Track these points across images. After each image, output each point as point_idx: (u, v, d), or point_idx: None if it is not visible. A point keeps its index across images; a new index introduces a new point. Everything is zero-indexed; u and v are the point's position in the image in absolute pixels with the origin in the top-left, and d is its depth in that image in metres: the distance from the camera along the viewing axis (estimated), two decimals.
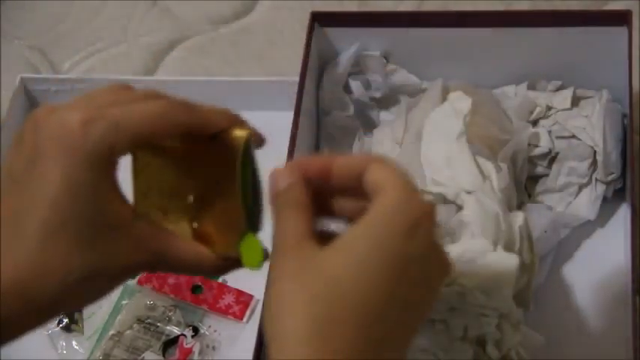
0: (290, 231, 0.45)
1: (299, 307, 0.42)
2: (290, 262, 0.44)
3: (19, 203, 0.43)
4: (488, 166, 0.61)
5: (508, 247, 0.57)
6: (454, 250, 0.56)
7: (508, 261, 0.56)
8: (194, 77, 0.97)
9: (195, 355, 0.78)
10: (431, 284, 0.44)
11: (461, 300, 0.56)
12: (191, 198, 0.49)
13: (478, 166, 0.61)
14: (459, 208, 0.60)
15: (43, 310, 0.44)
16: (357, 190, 0.46)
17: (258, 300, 0.80)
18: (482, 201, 0.58)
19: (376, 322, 0.42)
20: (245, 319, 0.80)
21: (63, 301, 0.44)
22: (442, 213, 0.62)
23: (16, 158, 0.44)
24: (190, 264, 0.48)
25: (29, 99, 0.97)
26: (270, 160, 0.88)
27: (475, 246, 0.56)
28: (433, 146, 0.64)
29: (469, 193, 0.60)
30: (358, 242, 0.43)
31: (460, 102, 0.64)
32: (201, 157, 0.49)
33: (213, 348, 0.79)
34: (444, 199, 0.61)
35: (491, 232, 0.57)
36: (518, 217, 0.58)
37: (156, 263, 0.47)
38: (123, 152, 0.45)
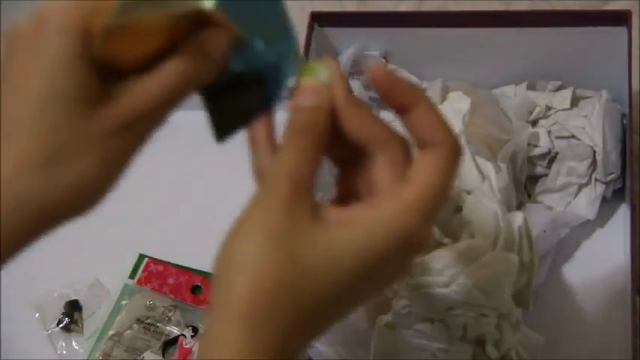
0: (295, 170, 0.41)
1: (261, 274, 0.38)
2: (278, 215, 0.40)
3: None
4: (488, 166, 0.61)
5: (507, 247, 0.57)
6: (454, 250, 0.56)
7: (507, 261, 0.55)
8: None
9: (195, 355, 0.78)
10: (383, 286, 0.42)
11: (460, 300, 0.56)
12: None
13: (477, 166, 0.61)
14: (459, 208, 0.60)
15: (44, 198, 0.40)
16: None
17: None
18: (482, 201, 0.58)
19: (322, 318, 0.40)
20: None
21: (48, 193, 0.39)
22: (443, 212, 0.62)
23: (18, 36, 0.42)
24: (160, 94, 0.42)
25: None
26: None
27: (474, 246, 0.56)
28: None
29: (468, 193, 0.60)
30: (374, 237, 0.40)
31: (459, 102, 0.64)
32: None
33: None
34: None
35: (491, 232, 0.57)
36: (518, 217, 0.58)
37: (126, 124, 0.41)
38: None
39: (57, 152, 0.39)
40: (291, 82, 0.45)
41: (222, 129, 0.48)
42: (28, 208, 0.39)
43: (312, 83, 0.44)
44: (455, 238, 0.60)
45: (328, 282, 0.39)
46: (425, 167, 0.42)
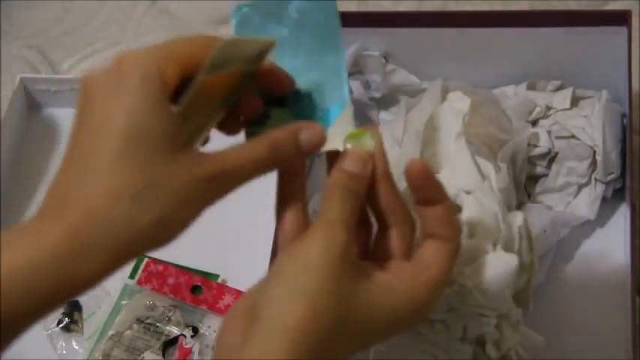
0: (347, 220, 0.46)
1: (322, 305, 0.43)
2: (337, 255, 0.45)
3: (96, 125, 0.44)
4: (488, 166, 0.61)
5: (507, 248, 0.57)
6: None
7: (507, 261, 0.55)
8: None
9: (195, 355, 0.78)
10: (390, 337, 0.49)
11: (460, 300, 0.56)
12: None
13: (477, 166, 0.61)
14: (458, 208, 0.60)
15: (119, 237, 0.43)
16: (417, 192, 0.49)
17: None
18: (482, 201, 0.58)
19: (351, 351, 0.46)
20: None
21: (135, 223, 0.42)
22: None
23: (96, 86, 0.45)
24: (247, 161, 0.46)
25: (29, 99, 0.97)
26: None
27: (474, 246, 0.56)
28: (432, 146, 0.64)
29: (468, 193, 0.60)
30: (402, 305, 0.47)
31: (459, 102, 0.64)
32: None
33: (213, 348, 0.79)
34: None
35: (490, 233, 0.57)
36: (518, 217, 0.58)
37: (215, 176, 0.45)
38: (173, 75, 0.45)
39: (144, 188, 0.42)
40: (338, 143, 0.50)
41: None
42: (119, 233, 0.42)
43: (360, 152, 0.49)
44: None
45: (366, 327, 0.45)
46: (442, 256, 0.48)
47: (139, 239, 0.43)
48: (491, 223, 0.57)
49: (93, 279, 0.42)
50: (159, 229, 0.43)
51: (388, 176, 0.49)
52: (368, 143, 0.49)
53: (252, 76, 0.49)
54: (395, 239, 0.49)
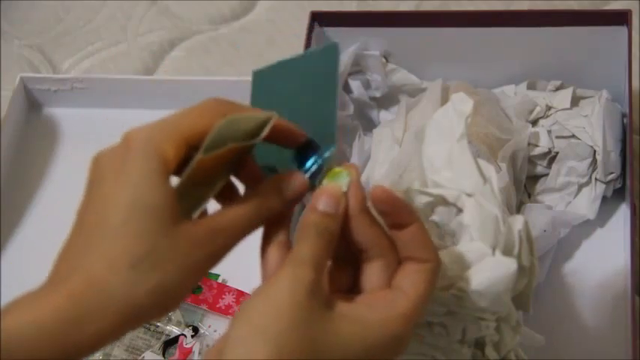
0: (316, 261, 0.46)
1: (286, 346, 0.43)
2: (304, 294, 0.45)
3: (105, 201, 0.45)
4: (489, 169, 0.61)
5: (507, 251, 0.57)
6: (453, 254, 0.56)
7: (506, 265, 0.55)
8: (194, 77, 0.97)
9: (195, 355, 0.78)
10: None
11: (459, 304, 0.56)
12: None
13: (479, 168, 0.61)
14: (459, 210, 0.60)
15: (119, 310, 0.44)
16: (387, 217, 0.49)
17: None
18: (482, 204, 0.58)
19: None
20: None
21: (133, 291, 0.44)
22: (442, 215, 0.62)
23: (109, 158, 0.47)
24: (239, 222, 0.48)
25: (29, 98, 0.97)
26: None
27: (473, 250, 0.56)
28: (434, 147, 0.64)
29: (469, 195, 0.60)
30: (372, 335, 0.46)
31: (462, 103, 0.63)
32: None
33: None
34: (444, 201, 0.61)
35: (490, 236, 0.57)
36: (518, 221, 0.58)
37: (210, 240, 0.47)
38: (175, 152, 0.46)
39: (143, 257, 0.44)
40: (316, 180, 0.51)
41: None
42: (117, 301, 0.43)
43: (332, 190, 0.49)
44: (455, 241, 0.60)
45: None
46: (417, 281, 0.48)
47: (138, 307, 0.44)
48: (491, 227, 0.57)
49: (93, 344, 0.43)
50: (157, 297, 0.44)
51: (365, 210, 0.49)
52: (343, 181, 0.50)
53: (252, 147, 0.50)
54: (379, 270, 0.49)
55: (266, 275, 0.50)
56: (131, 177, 0.45)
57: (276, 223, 0.50)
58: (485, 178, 0.60)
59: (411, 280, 0.48)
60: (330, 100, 0.53)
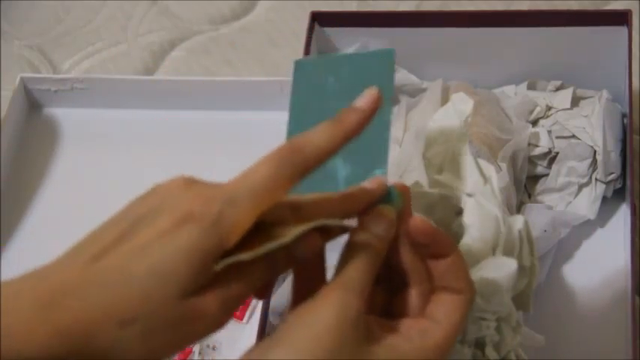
0: (362, 285, 0.46)
1: None
2: (351, 320, 0.44)
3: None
4: (490, 169, 0.61)
5: (507, 252, 0.57)
6: None
7: (506, 266, 0.55)
8: (194, 77, 0.97)
9: (195, 355, 0.78)
10: None
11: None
12: None
13: (479, 168, 0.61)
14: (460, 210, 0.60)
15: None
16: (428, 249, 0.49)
17: (258, 300, 0.80)
18: (483, 204, 0.58)
19: None
20: (245, 320, 0.80)
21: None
22: (443, 215, 0.62)
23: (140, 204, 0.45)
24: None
25: (29, 99, 0.97)
26: None
27: (474, 250, 0.56)
28: (434, 147, 0.64)
29: (470, 195, 0.60)
30: None
31: (462, 103, 0.64)
32: None
33: (214, 348, 0.79)
34: (445, 201, 0.61)
35: (491, 236, 0.57)
36: (518, 221, 0.58)
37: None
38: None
39: (135, 316, 0.41)
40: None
41: None
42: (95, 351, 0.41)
43: (387, 213, 0.48)
44: (455, 241, 0.60)
45: None
46: (452, 311, 0.48)
47: None
48: (491, 227, 0.57)
49: None
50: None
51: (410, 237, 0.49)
52: (396, 201, 0.49)
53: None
54: (414, 298, 0.49)
55: (298, 294, 0.49)
56: (178, 246, 0.42)
57: (308, 279, 0.49)
58: (485, 178, 0.60)
59: (445, 310, 0.48)
60: (383, 114, 0.51)
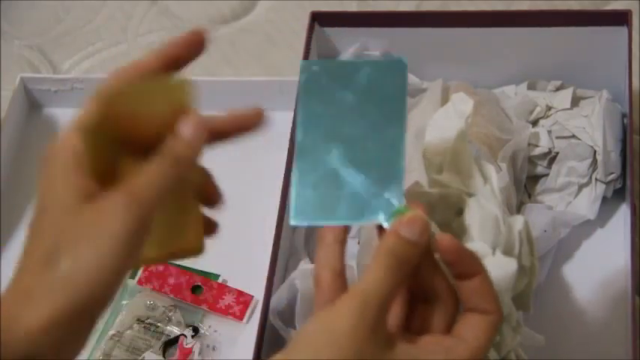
0: (385, 294, 0.46)
1: None
2: (368, 329, 0.44)
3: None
4: (490, 169, 0.61)
5: (507, 252, 0.57)
6: None
7: (506, 266, 0.55)
8: (193, 77, 0.97)
9: (195, 355, 0.78)
10: None
11: (460, 304, 0.56)
12: None
13: (480, 168, 0.61)
14: (460, 210, 0.60)
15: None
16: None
17: (258, 300, 0.80)
18: (483, 204, 0.58)
19: None
20: (245, 320, 0.80)
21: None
22: (443, 214, 0.62)
23: None
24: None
25: (29, 99, 0.97)
26: (271, 160, 0.87)
27: (474, 249, 0.56)
28: (434, 147, 0.64)
29: (470, 195, 0.60)
30: None
31: (462, 103, 0.64)
32: None
33: (214, 348, 0.79)
34: (445, 201, 0.61)
35: (491, 236, 0.57)
36: (518, 221, 0.58)
37: (139, 215, 0.46)
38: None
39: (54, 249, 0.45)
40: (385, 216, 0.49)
41: (301, 214, 0.51)
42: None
43: (420, 217, 0.47)
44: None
45: None
46: (479, 332, 0.48)
47: (62, 307, 0.44)
48: (491, 227, 0.57)
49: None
50: (76, 294, 0.44)
51: (432, 252, 0.48)
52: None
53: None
54: (439, 315, 0.49)
55: (320, 300, 0.48)
56: (50, 178, 0.47)
57: (331, 247, 0.49)
58: (485, 179, 0.60)
59: (472, 330, 0.48)
60: (398, 127, 0.51)
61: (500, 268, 0.55)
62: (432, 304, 0.49)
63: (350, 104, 0.52)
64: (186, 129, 0.48)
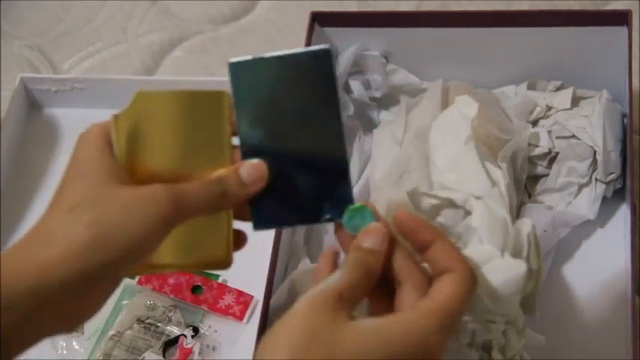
0: (346, 290, 0.49)
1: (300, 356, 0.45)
2: (324, 317, 0.47)
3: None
4: (497, 173, 0.61)
5: (515, 254, 0.57)
6: None
7: (516, 268, 0.55)
8: (194, 77, 0.97)
9: (195, 355, 0.78)
10: None
11: (469, 306, 0.56)
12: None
13: (487, 171, 0.61)
14: (467, 212, 0.60)
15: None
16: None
17: (258, 300, 0.81)
18: (491, 207, 0.58)
19: None
20: (245, 320, 0.80)
21: (70, 230, 0.47)
22: (448, 217, 0.62)
23: None
24: (201, 194, 0.51)
25: (29, 99, 0.97)
26: None
27: (483, 252, 0.56)
28: (440, 150, 0.64)
29: (478, 198, 0.59)
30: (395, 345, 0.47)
31: (467, 106, 0.64)
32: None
33: (214, 348, 0.79)
34: (451, 204, 0.61)
35: (499, 239, 0.57)
36: (526, 224, 0.58)
37: (176, 209, 0.49)
38: None
39: (81, 202, 0.48)
40: (344, 219, 0.53)
41: (262, 219, 0.54)
42: (59, 236, 0.47)
43: (378, 228, 0.52)
44: (462, 243, 0.60)
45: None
46: (442, 285, 0.50)
47: (79, 243, 0.46)
48: (499, 230, 0.57)
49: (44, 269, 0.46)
50: (95, 232, 0.47)
51: (392, 239, 0.52)
52: (368, 217, 0.53)
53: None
54: (407, 293, 0.51)
55: (317, 277, 0.53)
56: (81, 156, 0.52)
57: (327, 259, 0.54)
58: (493, 181, 0.60)
59: (437, 286, 0.50)
60: (333, 120, 0.53)
61: (509, 270, 0.55)
62: (402, 285, 0.52)
63: (283, 101, 0.53)
64: (246, 172, 0.52)
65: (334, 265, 0.53)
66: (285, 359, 0.45)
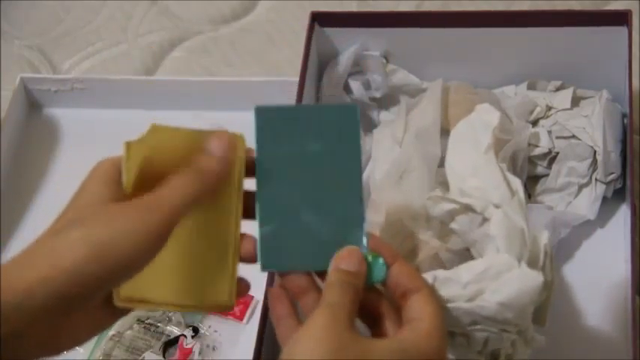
0: (343, 308, 0.50)
1: None
2: (340, 331, 0.49)
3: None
4: (516, 182, 0.61)
5: (531, 264, 0.57)
6: (479, 265, 0.57)
7: (532, 278, 0.55)
8: (194, 77, 0.97)
9: (195, 356, 0.78)
10: None
11: (484, 315, 0.56)
12: None
13: (507, 181, 0.61)
14: (485, 219, 0.60)
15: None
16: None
17: (258, 301, 0.81)
18: (510, 216, 0.58)
19: None
20: (245, 320, 0.80)
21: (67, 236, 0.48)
22: (463, 223, 0.62)
23: None
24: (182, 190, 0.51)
25: (29, 99, 0.97)
26: None
27: (500, 261, 0.56)
28: (459, 156, 0.64)
29: (497, 207, 0.60)
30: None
31: (488, 114, 0.63)
32: None
33: (214, 348, 0.79)
34: (469, 210, 0.61)
35: (516, 248, 0.57)
36: (544, 235, 0.58)
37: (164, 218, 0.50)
38: None
39: (74, 219, 0.49)
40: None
41: (271, 261, 0.55)
42: (48, 251, 0.48)
43: (353, 251, 0.53)
44: (478, 251, 0.60)
45: None
46: (421, 305, 0.52)
47: (69, 259, 0.47)
48: (517, 239, 0.57)
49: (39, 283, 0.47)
50: (86, 248, 0.47)
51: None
52: (380, 269, 0.54)
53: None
54: (389, 320, 0.54)
55: (285, 340, 0.54)
56: (84, 187, 0.52)
57: (282, 301, 0.55)
58: (513, 191, 0.60)
59: (415, 308, 0.52)
60: (353, 173, 0.55)
61: (526, 280, 0.55)
62: (382, 314, 0.54)
63: (306, 150, 0.55)
64: (213, 144, 0.52)
65: (290, 301, 0.55)
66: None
